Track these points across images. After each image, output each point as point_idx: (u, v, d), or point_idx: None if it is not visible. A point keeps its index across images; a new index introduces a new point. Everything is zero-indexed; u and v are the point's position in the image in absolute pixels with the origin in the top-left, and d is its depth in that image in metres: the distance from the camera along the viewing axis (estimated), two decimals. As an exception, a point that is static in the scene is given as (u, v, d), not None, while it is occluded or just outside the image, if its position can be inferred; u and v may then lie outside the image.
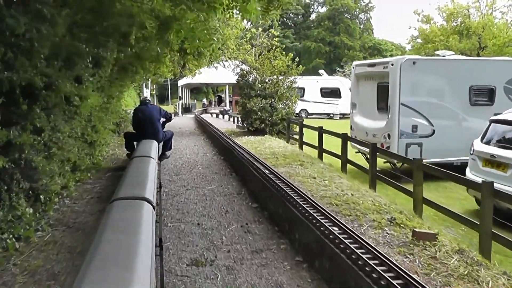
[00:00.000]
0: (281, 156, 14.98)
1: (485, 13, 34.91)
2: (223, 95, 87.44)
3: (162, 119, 13.02)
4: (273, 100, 22.14)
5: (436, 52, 18.39)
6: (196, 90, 78.90)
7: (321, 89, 41.70)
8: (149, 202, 4.32)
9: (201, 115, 41.82)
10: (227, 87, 61.93)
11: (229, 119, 37.19)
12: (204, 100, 79.45)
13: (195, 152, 17.39)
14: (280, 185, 9.03)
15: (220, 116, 41.84)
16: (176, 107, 49.35)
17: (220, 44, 22.22)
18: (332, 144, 15.96)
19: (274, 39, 28.01)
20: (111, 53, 11.26)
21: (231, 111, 41.55)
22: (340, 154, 14.68)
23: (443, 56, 16.15)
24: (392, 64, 14.82)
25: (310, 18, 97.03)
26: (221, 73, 36.73)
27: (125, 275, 2.64)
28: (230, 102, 65.02)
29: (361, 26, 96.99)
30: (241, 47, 24.40)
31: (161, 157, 12.93)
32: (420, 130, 14.83)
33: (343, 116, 42.77)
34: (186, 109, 53.90)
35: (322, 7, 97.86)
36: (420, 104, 14.87)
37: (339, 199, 8.76)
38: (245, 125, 24.19)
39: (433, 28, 35.51)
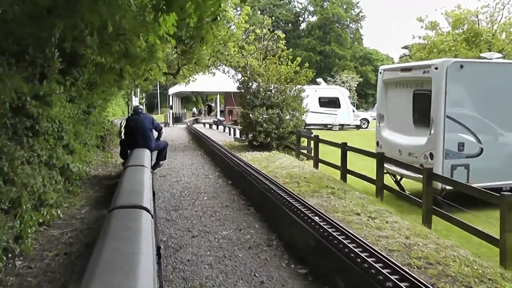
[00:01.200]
0: (301, 179, 12.15)
1: (494, 20, 32.34)
2: (212, 104, 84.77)
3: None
4: (279, 110, 19.16)
5: (482, 55, 15.50)
6: (186, 99, 75.83)
7: (319, 98, 38.83)
8: (147, 210, 4.27)
9: (193, 125, 38.71)
10: (218, 96, 58.88)
11: (224, 130, 34.13)
12: (194, 109, 76.63)
13: (195, 173, 14.33)
14: (326, 227, 6.60)
15: (214, 126, 38.73)
16: (167, 117, 45.95)
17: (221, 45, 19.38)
18: (350, 161, 14.09)
19: (280, 41, 24.69)
20: (90, 49, 8.23)
21: (225, 121, 38.35)
22: (375, 177, 12.16)
23: (490, 59, 13.27)
24: (436, 68, 11.96)
25: (301, 27, 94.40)
26: (212, 81, 34.36)
27: (129, 283, 2.69)
28: (222, 111, 62.39)
29: (351, 36, 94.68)
30: (244, 50, 21.09)
31: (155, 166, 12.68)
32: (467, 148, 12.04)
33: (342, 126, 40.04)
34: (177, 119, 50.70)
35: (312, 16, 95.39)
36: (466, 116, 12.12)
37: (414, 255, 6.18)
38: (246, 138, 21.25)
39: (440, 35, 32.76)
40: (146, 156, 9.48)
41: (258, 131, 18.63)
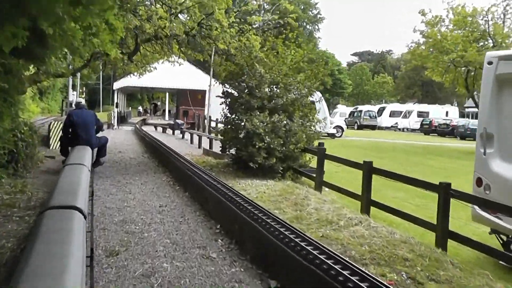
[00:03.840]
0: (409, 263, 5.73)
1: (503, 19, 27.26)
2: (158, 103, 77.83)
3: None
4: (287, 117, 12.64)
5: None
6: (130, 97, 67.73)
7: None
8: (81, 211, 4.10)
9: (143, 128, 31.27)
10: (167, 93, 51.69)
11: (183, 137, 27.15)
12: (140, 108, 69.12)
13: (175, 242, 6.98)
14: None
15: (169, 131, 31.48)
16: (111, 117, 37.44)
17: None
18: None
19: (290, 16, 17.27)
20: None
21: (184, 125, 31.11)
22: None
23: None
24: None
25: (254, 25, 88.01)
26: (162, 76, 29.99)
27: None
28: (169, 111, 55.48)
29: (306, 37, 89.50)
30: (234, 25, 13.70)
31: (95, 164, 12.28)
32: None
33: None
34: (122, 119, 42.90)
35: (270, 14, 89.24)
36: None
37: None
38: (227, 154, 14.59)
39: (444, 34, 27.23)
40: (87, 154, 9.20)
41: (257, 148, 11.97)
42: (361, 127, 53.63)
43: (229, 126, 13.70)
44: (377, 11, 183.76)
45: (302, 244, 5.69)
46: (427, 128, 49.76)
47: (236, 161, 13.69)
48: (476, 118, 45.54)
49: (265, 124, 12.11)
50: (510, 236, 8.21)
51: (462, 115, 60.32)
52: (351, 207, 9.67)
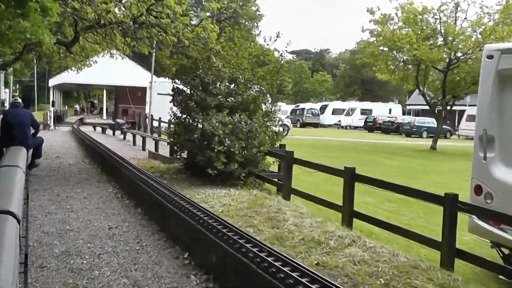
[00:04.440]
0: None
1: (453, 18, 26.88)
2: (95, 101, 74.47)
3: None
4: (248, 116, 11.14)
5: None
6: (66, 94, 64.04)
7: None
8: (14, 216, 3.67)
9: (81, 128, 28.82)
10: (104, 91, 49.06)
11: (124, 138, 25.06)
12: (77, 106, 65.64)
13: (135, 281, 5.37)
14: None
15: (109, 131, 29.19)
16: (46, 116, 34.04)
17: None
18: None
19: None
20: None
21: (125, 125, 28.87)
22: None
23: None
24: None
25: (193, 21, 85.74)
26: (100, 72, 28.16)
27: None
28: (107, 110, 52.82)
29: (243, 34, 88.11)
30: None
31: (30, 165, 11.79)
32: None
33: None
34: (59, 118, 39.94)
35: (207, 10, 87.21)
36: None
37: None
38: (178, 158, 12.93)
39: (397, 33, 26.49)
40: (22, 156, 8.08)
41: (215, 152, 10.42)
42: (303, 125, 52.77)
43: (180, 127, 12.06)
44: (313, 10, 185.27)
45: (304, 280, 4.35)
46: (371, 126, 49.62)
47: (189, 166, 12.10)
48: (418, 115, 45.95)
49: (224, 124, 10.59)
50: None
51: (403, 112, 60.85)
52: (320, 215, 8.47)
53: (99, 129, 31.29)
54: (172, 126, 12.58)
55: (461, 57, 25.82)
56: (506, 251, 7.26)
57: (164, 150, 17.24)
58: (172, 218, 7.32)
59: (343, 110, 58.96)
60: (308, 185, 11.18)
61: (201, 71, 11.07)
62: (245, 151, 10.76)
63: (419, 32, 26.46)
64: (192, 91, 11.62)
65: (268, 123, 11.85)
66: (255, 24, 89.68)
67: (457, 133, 44.58)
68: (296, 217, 8.05)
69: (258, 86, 11.45)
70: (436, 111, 29.02)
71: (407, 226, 9.14)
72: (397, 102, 68.88)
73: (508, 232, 6.86)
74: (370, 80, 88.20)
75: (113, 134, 27.88)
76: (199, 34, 10.56)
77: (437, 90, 28.30)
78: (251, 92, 11.36)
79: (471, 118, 42.33)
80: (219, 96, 11.07)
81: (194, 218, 6.78)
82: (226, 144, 10.41)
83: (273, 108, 12.22)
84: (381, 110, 54.73)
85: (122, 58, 15.62)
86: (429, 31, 26.93)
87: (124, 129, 26.48)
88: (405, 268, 5.80)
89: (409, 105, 64.49)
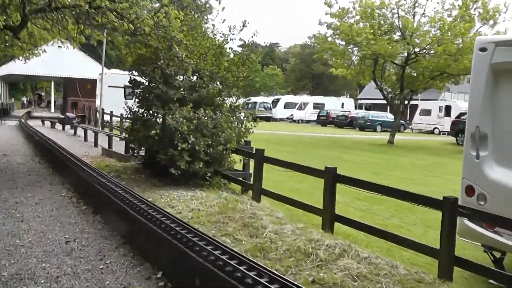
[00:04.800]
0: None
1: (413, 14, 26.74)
2: (42, 93, 71.24)
3: None
4: (212, 111, 10.21)
5: None
6: (12, 86, 60.79)
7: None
8: None
9: (29, 123, 26.95)
10: (52, 83, 46.75)
11: (75, 133, 23.50)
12: (24, 99, 62.61)
13: None
14: None
15: (59, 125, 27.43)
16: None
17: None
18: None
19: None
20: None
21: (75, 120, 27.16)
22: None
23: None
24: None
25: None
26: (49, 62, 26.66)
27: None
28: (55, 102, 50.47)
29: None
30: None
31: None
32: None
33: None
34: (5, 112, 37.62)
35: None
36: None
37: None
38: (135, 156, 11.85)
39: (356, 28, 25.99)
40: None
41: (179, 150, 9.46)
42: (255, 119, 51.80)
43: (138, 123, 11.02)
44: (261, 4, 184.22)
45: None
46: (324, 120, 49.38)
47: (147, 164, 11.10)
48: (369, 109, 45.93)
49: (188, 120, 9.64)
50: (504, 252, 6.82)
51: (355, 106, 61.10)
52: (292, 217, 7.83)
53: (48, 123, 29.42)
54: (128, 121, 11.47)
55: (419, 52, 25.68)
56: (498, 255, 6.82)
57: (118, 146, 16.05)
58: (138, 228, 6.37)
59: (296, 104, 58.47)
60: (272, 183, 10.43)
61: (162, 61, 10.05)
62: (211, 149, 9.87)
63: (376, 27, 26.12)
64: (151, 84, 10.59)
65: (232, 118, 10.95)
66: (206, 16, 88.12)
67: (410, 126, 44.99)
68: (274, 223, 7.26)
69: (224, 79, 10.53)
70: (393, 106, 28.95)
71: (383, 226, 8.60)
72: (348, 96, 69.22)
73: (504, 236, 6.40)
74: (321, 75, 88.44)
75: (63, 128, 26.18)
76: (161, 21, 9.51)
77: (394, 84, 28.17)
78: (216, 85, 10.42)
79: (424, 112, 42.96)
80: (182, 89, 10.10)
81: (165, 229, 5.87)
82: (190, 142, 9.47)
83: (238, 103, 11.33)
84: (334, 104, 54.61)
85: (74, 47, 14.26)
86: (386, 26, 26.63)
87: (75, 124, 24.90)
88: (409, 282, 5.16)
89: (360, 99, 64.87)
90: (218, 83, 10.55)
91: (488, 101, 7.04)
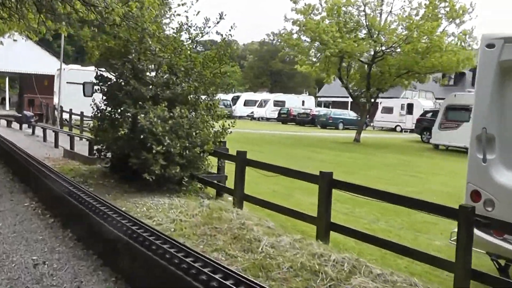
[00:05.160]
0: None
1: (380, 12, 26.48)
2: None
3: None
4: (188, 110, 9.34)
5: None
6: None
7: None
8: None
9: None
10: (7, 78, 44.35)
11: (33, 133, 21.96)
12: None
13: None
14: None
15: (15, 124, 25.67)
16: None
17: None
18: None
19: None
20: None
21: (33, 118, 25.47)
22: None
23: None
24: None
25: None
26: (3, 57, 25.22)
27: None
28: (9, 100, 47.92)
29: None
30: None
31: None
32: None
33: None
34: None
35: None
36: None
37: None
38: (102, 159, 10.83)
39: (323, 25, 25.42)
40: None
41: (152, 153, 8.57)
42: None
43: (105, 123, 10.05)
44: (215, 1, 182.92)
45: None
46: (285, 118, 48.89)
47: (115, 168, 10.17)
48: (328, 107, 45.76)
49: (163, 120, 8.78)
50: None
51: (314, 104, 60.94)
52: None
53: (3, 122, 27.61)
54: (93, 120, 10.45)
55: (386, 50, 25.42)
56: (503, 263, 6.46)
57: (80, 146, 14.92)
58: (117, 246, 5.50)
59: (256, 101, 57.70)
60: (246, 184, 9.80)
61: (134, 55, 9.10)
62: (187, 151, 9.03)
63: (342, 25, 25.72)
64: (120, 80, 9.66)
65: (208, 117, 10.11)
66: (163, 12, 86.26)
67: (371, 124, 45.06)
68: (268, 234, 6.52)
69: (201, 75, 9.67)
70: (360, 104, 28.72)
71: (371, 231, 8.07)
72: (307, 93, 69.05)
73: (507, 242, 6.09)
74: (279, 72, 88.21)
75: (20, 128, 24.47)
76: (131, 11, 8.58)
77: (360, 82, 27.90)
78: (192, 82, 9.56)
79: (386, 110, 43.09)
80: (155, 86, 9.21)
81: (149, 247, 5.06)
82: (165, 144, 8.61)
83: (214, 101, 10.49)
84: (294, 102, 54.23)
85: (33, 40, 13.04)
86: (352, 24, 26.27)
87: (33, 123, 23.35)
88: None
89: (320, 97, 64.80)
90: (192, 80, 9.67)
91: (495, 101, 6.57)
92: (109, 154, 10.51)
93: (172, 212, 7.41)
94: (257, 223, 7.08)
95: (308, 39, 27.16)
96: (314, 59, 28.91)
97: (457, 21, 23.72)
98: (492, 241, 6.31)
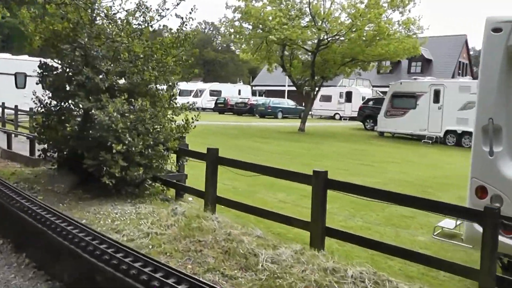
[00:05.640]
0: None
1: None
2: None
3: None
4: (148, 103, 8.19)
5: None
6: None
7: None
8: None
9: None
10: None
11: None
12: None
13: None
14: None
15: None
16: None
17: None
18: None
19: None
20: None
21: None
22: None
23: None
24: None
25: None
26: None
27: None
28: None
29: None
30: None
31: None
32: None
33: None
34: None
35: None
36: None
37: None
38: (46, 158, 9.47)
39: (268, 12, 24.53)
40: None
41: (111, 154, 7.41)
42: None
43: (52, 118, 8.73)
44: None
45: None
46: (223, 107, 47.71)
47: (63, 169, 8.89)
48: (262, 96, 45.16)
49: (124, 115, 7.63)
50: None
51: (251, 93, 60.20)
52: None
53: None
54: (38, 117, 9.04)
55: (330, 38, 24.92)
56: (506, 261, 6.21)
57: (18, 144, 13.24)
58: (90, 273, 4.43)
59: (191, 91, 56.11)
60: (197, 181, 8.84)
61: (86, 40, 7.81)
62: (149, 150, 7.94)
63: (286, 12, 24.99)
64: (70, 69, 8.36)
65: (170, 111, 9.03)
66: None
67: (310, 112, 44.91)
68: (262, 246, 5.63)
69: (162, 63, 8.52)
70: (302, 92, 28.26)
71: (348, 228, 7.50)
72: (241, 82, 68.19)
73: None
74: (212, 61, 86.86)
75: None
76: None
77: (303, 71, 27.37)
78: (152, 70, 8.41)
79: (325, 98, 42.93)
80: (112, 76, 8.00)
81: (127, 272, 4.07)
82: (126, 142, 7.48)
83: (173, 91, 9.38)
84: (231, 91, 53.18)
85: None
86: (294, 12, 25.58)
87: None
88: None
89: (254, 85, 64.15)
90: (152, 68, 8.51)
91: (503, 89, 6.04)
92: (56, 154, 9.21)
93: (143, 224, 6.33)
94: (244, 232, 6.16)
95: (250, 27, 26.23)
96: (255, 47, 28.02)
97: (401, 9, 23.59)
98: (501, 240, 5.84)
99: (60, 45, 7.99)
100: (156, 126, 8.18)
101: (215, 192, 7.72)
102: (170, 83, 9.01)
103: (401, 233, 8.43)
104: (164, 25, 9.03)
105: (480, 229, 6.02)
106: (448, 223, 8.47)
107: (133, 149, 7.57)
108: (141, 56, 8.24)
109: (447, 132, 22.87)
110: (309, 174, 6.30)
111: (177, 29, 9.04)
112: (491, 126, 5.99)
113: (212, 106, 50.08)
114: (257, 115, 42.30)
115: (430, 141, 23.31)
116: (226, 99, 48.51)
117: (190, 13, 9.03)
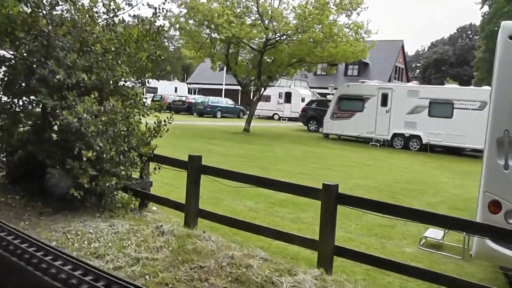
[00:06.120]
0: None
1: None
2: None
3: None
4: (120, 104, 7.18)
5: None
6: None
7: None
8: None
9: None
10: None
11: None
12: None
13: None
14: None
15: None
16: None
17: None
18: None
19: None
20: None
21: None
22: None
23: None
24: None
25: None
26: None
27: None
28: None
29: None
30: None
31: None
32: None
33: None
34: None
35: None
36: None
37: None
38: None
39: (216, 9, 23.52)
40: None
41: (79, 163, 6.36)
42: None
43: (4, 119, 7.48)
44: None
45: None
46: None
47: (15, 177, 7.69)
48: (197, 94, 44.30)
49: (95, 116, 6.59)
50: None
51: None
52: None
53: None
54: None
55: (280, 38, 24.36)
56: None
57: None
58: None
59: (126, 88, 54.02)
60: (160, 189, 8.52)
61: (50, 27, 6.66)
62: (121, 157, 6.96)
63: (233, 9, 24.20)
64: (28, 61, 7.18)
65: (139, 111, 8.03)
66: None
67: (248, 112, 44.35)
68: (275, 271, 4.88)
69: (136, 59, 7.51)
70: (247, 92, 27.61)
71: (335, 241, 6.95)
72: (175, 79, 66.51)
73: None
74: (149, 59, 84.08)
75: None
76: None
77: (249, 70, 26.73)
78: (122, 66, 7.38)
79: (263, 98, 42.41)
80: (77, 70, 6.91)
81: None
82: (97, 148, 6.46)
83: (140, 90, 8.38)
84: (167, 89, 51.50)
85: None
86: (240, 9, 24.86)
87: None
88: None
89: (189, 83, 62.83)
90: (122, 63, 7.48)
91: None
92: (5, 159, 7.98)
93: (128, 246, 5.35)
94: (246, 254, 5.36)
95: (195, 23, 25.23)
96: (199, 44, 27.04)
97: (349, 12, 23.47)
98: (507, 254, 5.55)
99: (15, 32, 6.77)
100: (129, 129, 7.19)
101: (197, 205, 6.87)
102: (141, 81, 8.01)
103: (386, 245, 8.04)
104: (134, 15, 7.92)
105: (494, 246, 5.68)
106: (434, 233, 8.20)
107: (104, 156, 6.57)
108: (113, 49, 7.20)
109: (395, 135, 23.05)
110: (318, 188, 5.62)
111: (150, 21, 8.04)
112: (507, 138, 5.61)
113: (149, 103, 48.22)
114: (195, 114, 41.17)
115: (378, 144, 23.38)
116: (163, 96, 46.92)
117: (163, 3, 8.07)
